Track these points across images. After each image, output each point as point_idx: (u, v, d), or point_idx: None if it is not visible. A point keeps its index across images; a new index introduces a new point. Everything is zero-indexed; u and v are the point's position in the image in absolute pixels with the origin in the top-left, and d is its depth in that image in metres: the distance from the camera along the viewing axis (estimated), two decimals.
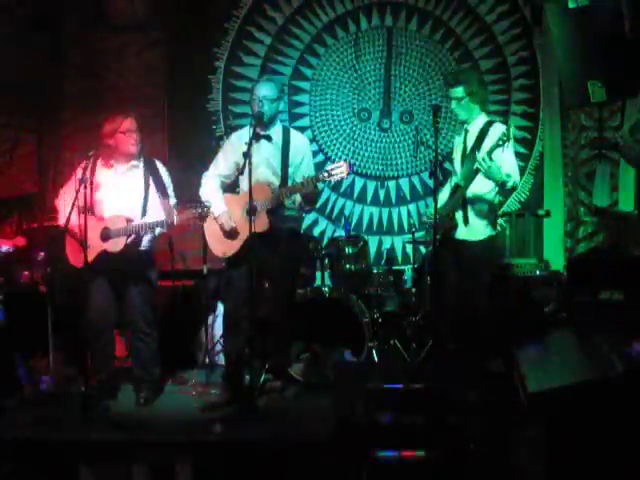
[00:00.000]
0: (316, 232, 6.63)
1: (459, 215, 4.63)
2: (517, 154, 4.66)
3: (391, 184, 6.80)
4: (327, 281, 5.67)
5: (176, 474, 3.72)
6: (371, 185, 6.81)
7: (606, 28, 4.71)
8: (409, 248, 6.39)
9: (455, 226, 4.58)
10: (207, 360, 5.40)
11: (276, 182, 4.62)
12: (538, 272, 5.70)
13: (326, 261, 5.63)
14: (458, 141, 4.79)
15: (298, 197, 4.61)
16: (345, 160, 4.39)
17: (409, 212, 6.73)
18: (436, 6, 6.69)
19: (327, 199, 6.79)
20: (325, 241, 6.04)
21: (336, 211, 6.81)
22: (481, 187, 4.54)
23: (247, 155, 4.29)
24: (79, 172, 4.66)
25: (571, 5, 4.76)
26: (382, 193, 6.79)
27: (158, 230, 4.64)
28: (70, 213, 4.39)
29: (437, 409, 3.84)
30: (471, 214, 4.56)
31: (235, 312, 4.66)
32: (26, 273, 5.52)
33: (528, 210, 6.43)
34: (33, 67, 6.50)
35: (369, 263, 5.90)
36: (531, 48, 6.60)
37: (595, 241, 6.31)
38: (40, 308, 5.15)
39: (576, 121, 6.41)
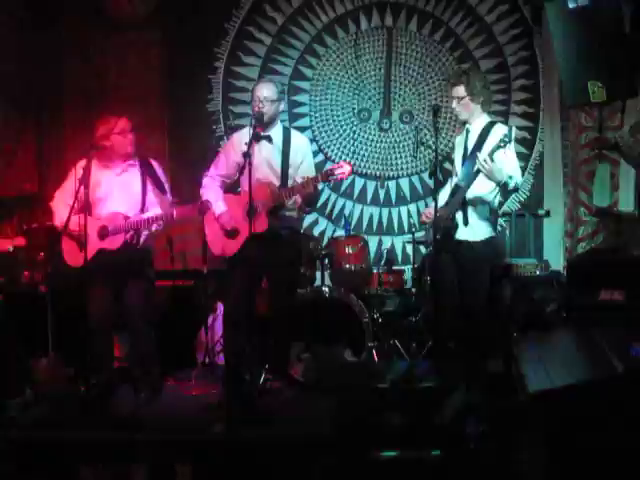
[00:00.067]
0: (316, 232, 6.63)
1: (459, 216, 4.63)
2: (517, 154, 4.65)
3: (391, 184, 6.80)
4: (327, 281, 5.68)
5: (176, 474, 3.72)
6: (371, 185, 6.81)
7: (606, 28, 4.71)
8: (409, 248, 6.39)
9: (455, 227, 4.57)
10: (207, 360, 5.40)
11: (276, 182, 4.62)
12: (538, 272, 5.69)
13: (326, 261, 5.63)
14: (459, 141, 4.78)
15: (298, 198, 4.61)
16: (345, 161, 4.40)
17: (409, 212, 6.73)
18: (436, 6, 6.69)
19: (327, 199, 6.79)
20: (325, 241, 6.04)
21: (336, 211, 6.81)
22: (482, 188, 4.53)
23: (247, 155, 4.29)
24: (74, 173, 4.67)
25: (571, 5, 4.76)
26: (382, 193, 6.79)
27: (155, 227, 4.63)
28: (70, 214, 4.39)
29: (436, 409, 3.85)
30: (471, 215, 4.55)
31: (235, 312, 4.65)
32: (26, 273, 5.52)
33: (528, 210, 6.43)
34: (33, 67, 6.50)
35: (369, 263, 5.90)
36: (531, 48, 6.60)
37: (595, 241, 6.31)
38: (40, 308, 5.16)
39: (576, 121, 6.41)
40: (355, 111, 6.82)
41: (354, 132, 6.82)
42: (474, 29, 6.66)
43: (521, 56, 6.63)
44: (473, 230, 4.56)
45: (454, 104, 4.65)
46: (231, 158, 4.73)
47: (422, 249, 6.19)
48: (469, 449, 3.57)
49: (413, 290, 5.99)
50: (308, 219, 6.35)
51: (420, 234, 5.92)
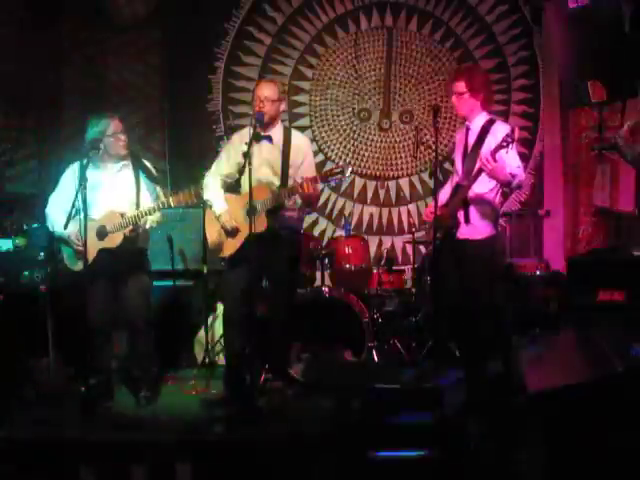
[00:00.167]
0: (316, 232, 6.64)
1: (460, 214, 4.62)
2: (517, 154, 4.66)
3: (391, 184, 6.80)
4: (327, 281, 5.68)
5: (176, 474, 3.72)
6: (371, 185, 6.81)
7: (606, 28, 4.71)
8: (409, 248, 6.39)
9: (456, 225, 4.57)
10: (207, 360, 5.39)
11: (277, 183, 4.62)
12: (538, 272, 5.70)
13: (326, 261, 5.63)
14: (459, 138, 4.78)
15: (298, 198, 4.61)
16: (345, 161, 4.40)
17: (409, 212, 6.73)
18: (436, 6, 6.69)
19: (327, 199, 6.80)
20: (325, 241, 6.04)
21: (336, 211, 6.81)
22: (483, 187, 4.54)
23: (247, 155, 4.29)
24: (69, 176, 4.66)
25: (571, 5, 4.77)
26: (382, 193, 6.79)
27: (150, 221, 4.62)
28: (68, 219, 4.39)
29: (437, 409, 3.85)
30: (473, 213, 4.56)
31: (235, 312, 4.65)
32: (26, 273, 5.51)
33: (528, 210, 6.43)
34: (33, 67, 6.50)
35: (369, 263, 5.90)
36: (531, 48, 6.60)
37: (595, 241, 6.31)
38: (40, 308, 5.15)
39: (576, 121, 6.41)
40: (355, 111, 6.82)
41: (354, 132, 6.82)
42: (474, 29, 6.67)
43: (521, 56, 6.63)
44: (475, 229, 4.56)
45: (453, 99, 4.65)
46: (232, 158, 4.73)
47: (422, 249, 6.19)
48: (469, 449, 3.57)
49: (413, 290, 5.99)
50: (308, 219, 6.35)
51: (420, 234, 5.92)
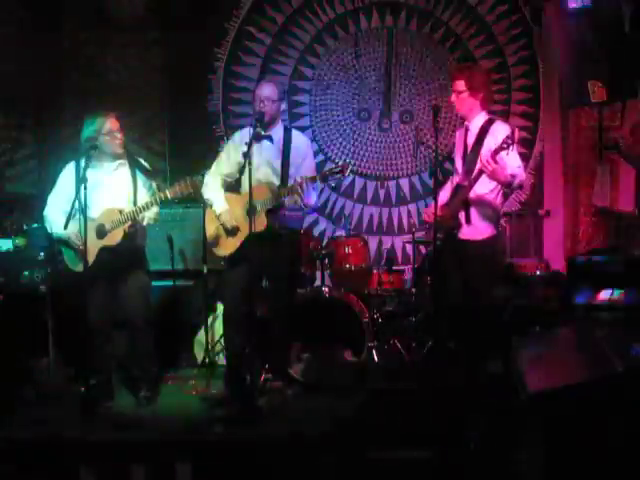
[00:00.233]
0: (316, 232, 6.63)
1: (461, 215, 4.62)
2: (518, 154, 4.66)
3: (391, 184, 6.80)
4: (327, 281, 5.68)
5: (176, 474, 3.72)
6: (371, 185, 6.81)
7: (606, 28, 4.72)
8: (409, 248, 6.39)
9: (458, 226, 4.58)
10: (207, 360, 5.39)
11: (277, 182, 4.62)
12: (538, 272, 5.70)
13: (326, 261, 5.63)
14: (458, 138, 4.78)
15: (297, 198, 4.61)
16: (345, 161, 4.40)
17: (409, 212, 6.73)
18: (436, 6, 6.69)
19: (327, 199, 6.80)
20: (325, 241, 6.04)
21: (336, 211, 6.81)
22: (483, 187, 4.54)
23: (247, 155, 4.30)
24: (66, 176, 4.66)
25: (571, 5, 4.77)
26: (382, 193, 6.79)
27: (147, 218, 4.62)
28: (68, 219, 4.39)
29: (437, 410, 3.85)
30: (474, 214, 4.56)
31: (235, 312, 4.66)
32: (26, 273, 5.51)
33: (528, 210, 6.43)
34: (33, 67, 6.50)
35: (369, 263, 5.90)
36: (531, 48, 6.60)
37: (595, 241, 6.31)
38: (40, 308, 5.15)
39: (576, 121, 6.41)
40: (355, 111, 6.82)
41: (354, 132, 6.82)
42: (474, 29, 6.66)
43: (521, 56, 6.63)
44: (476, 229, 4.56)
45: (452, 97, 4.65)
46: (233, 157, 4.74)
47: (422, 249, 6.19)
48: (469, 449, 3.57)
49: (413, 290, 5.99)
50: (308, 219, 6.35)
51: (420, 234, 5.92)
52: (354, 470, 3.60)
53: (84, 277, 4.46)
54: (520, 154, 4.72)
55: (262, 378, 4.89)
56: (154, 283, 5.07)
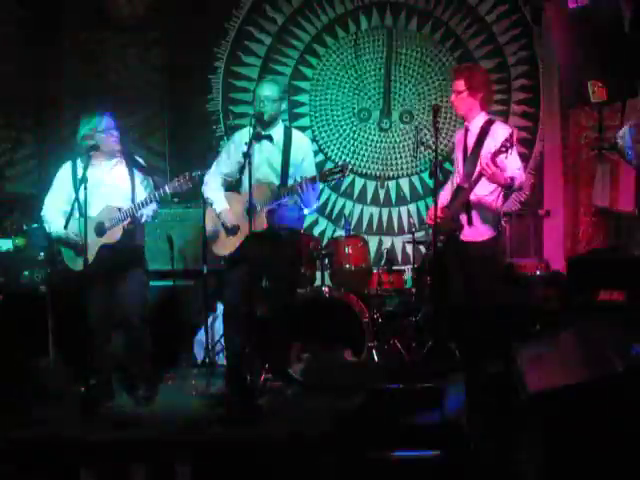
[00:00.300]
0: (316, 232, 6.63)
1: (462, 217, 4.62)
2: (518, 154, 4.66)
3: (391, 184, 6.80)
4: (327, 281, 5.68)
5: (176, 474, 3.72)
6: (371, 185, 6.81)
7: (606, 28, 4.72)
8: (409, 248, 6.39)
9: (459, 228, 4.58)
10: (207, 360, 5.40)
11: (277, 182, 4.62)
12: (538, 272, 5.69)
13: (326, 261, 5.63)
14: (458, 139, 4.78)
15: (297, 197, 4.61)
16: (345, 161, 4.41)
17: (409, 212, 6.73)
18: (436, 6, 6.69)
19: (327, 199, 6.80)
20: (325, 241, 6.04)
21: (336, 211, 6.81)
22: (484, 189, 4.54)
23: (247, 155, 4.30)
24: (62, 176, 4.65)
25: (571, 5, 4.77)
26: (382, 193, 6.79)
27: (145, 215, 4.61)
28: (68, 218, 4.39)
29: (437, 409, 3.84)
30: (475, 216, 4.56)
31: (235, 311, 4.66)
32: (26, 273, 5.52)
33: (528, 210, 6.43)
34: (33, 67, 6.50)
35: (369, 263, 5.90)
36: (531, 48, 6.60)
37: (595, 241, 6.31)
38: (40, 308, 5.15)
39: (576, 121, 6.41)
40: (355, 111, 6.82)
41: (354, 132, 6.82)
42: (474, 29, 6.66)
43: (521, 56, 6.63)
44: (477, 231, 4.57)
45: (452, 97, 4.65)
46: (233, 157, 4.74)
47: (422, 249, 6.19)
48: (469, 449, 3.57)
49: (413, 290, 5.99)
50: (308, 219, 6.35)
51: (420, 234, 5.92)
52: (354, 470, 3.60)
53: (84, 275, 4.46)
54: (520, 154, 4.72)
55: (262, 378, 4.88)
56: (154, 283, 5.07)
